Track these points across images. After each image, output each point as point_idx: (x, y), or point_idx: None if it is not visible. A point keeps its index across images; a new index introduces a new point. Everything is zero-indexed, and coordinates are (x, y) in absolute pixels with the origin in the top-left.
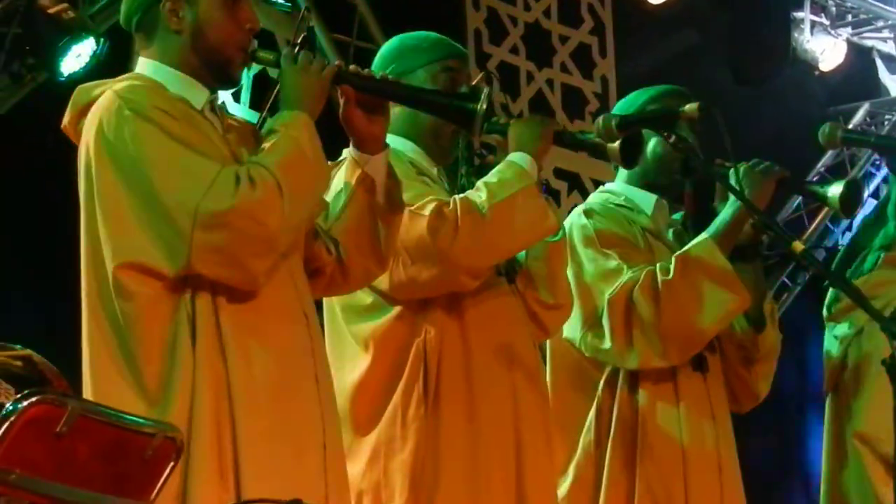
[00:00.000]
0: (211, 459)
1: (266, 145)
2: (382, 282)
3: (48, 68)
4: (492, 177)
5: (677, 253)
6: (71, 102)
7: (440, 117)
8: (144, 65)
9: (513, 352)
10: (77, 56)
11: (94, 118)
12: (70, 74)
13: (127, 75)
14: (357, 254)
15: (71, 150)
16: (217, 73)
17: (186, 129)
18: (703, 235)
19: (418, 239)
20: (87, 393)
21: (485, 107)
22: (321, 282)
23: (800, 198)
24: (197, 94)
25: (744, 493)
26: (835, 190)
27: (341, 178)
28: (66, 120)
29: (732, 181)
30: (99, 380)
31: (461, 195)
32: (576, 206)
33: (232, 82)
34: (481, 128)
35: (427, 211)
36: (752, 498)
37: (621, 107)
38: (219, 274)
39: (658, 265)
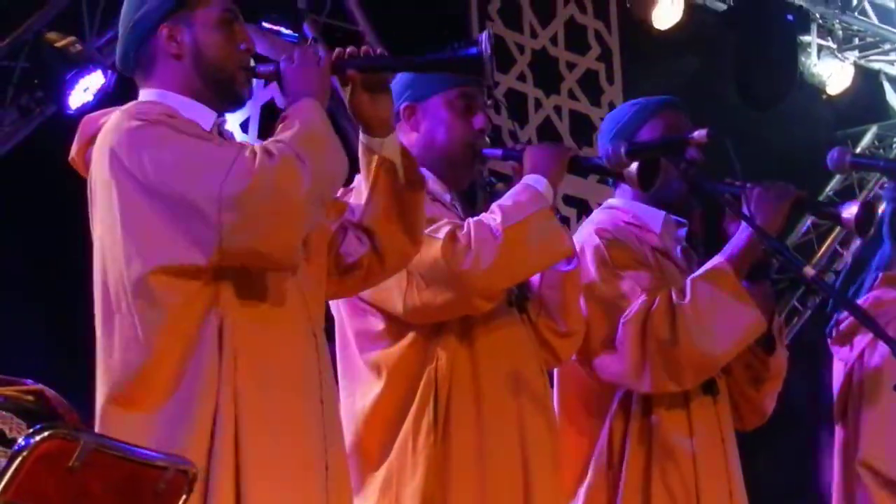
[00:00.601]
0: (228, 483)
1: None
2: (396, 306)
3: (56, 102)
4: (506, 199)
5: (692, 276)
6: (78, 134)
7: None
8: (149, 94)
9: (521, 380)
10: (85, 89)
11: (105, 140)
12: (78, 108)
13: (133, 102)
14: (390, 238)
15: (79, 183)
16: (222, 93)
17: (197, 128)
18: (719, 259)
19: (432, 262)
20: (97, 419)
21: (489, 48)
22: (359, 275)
23: (809, 222)
24: (205, 117)
25: None
26: (849, 211)
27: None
28: (73, 151)
29: (745, 203)
30: (109, 407)
31: (475, 218)
32: None
33: (238, 101)
34: (491, 71)
35: (441, 234)
36: None
37: (615, 119)
38: (251, 249)
39: (673, 289)
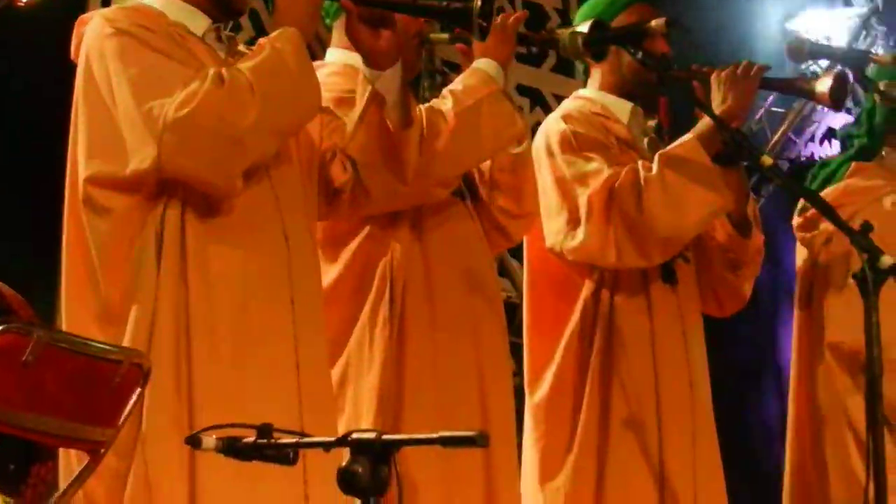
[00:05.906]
0: (168, 384)
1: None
2: None
3: None
4: (457, 84)
5: (661, 151)
6: (74, 33)
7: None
8: None
9: (475, 278)
10: None
11: (85, 44)
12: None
13: (122, 3)
14: (372, 171)
15: (32, 81)
16: (222, 3)
17: (167, 42)
18: (688, 135)
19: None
20: (61, 316)
21: (479, 3)
22: (344, 202)
23: (762, 110)
24: (197, 21)
25: (712, 407)
26: (823, 84)
27: (338, 87)
28: (72, 51)
29: (714, 87)
30: (67, 300)
31: (426, 105)
32: (538, 123)
33: (238, 13)
34: (480, 26)
35: None
36: (728, 395)
37: (588, 11)
38: (187, 173)
39: (640, 162)
